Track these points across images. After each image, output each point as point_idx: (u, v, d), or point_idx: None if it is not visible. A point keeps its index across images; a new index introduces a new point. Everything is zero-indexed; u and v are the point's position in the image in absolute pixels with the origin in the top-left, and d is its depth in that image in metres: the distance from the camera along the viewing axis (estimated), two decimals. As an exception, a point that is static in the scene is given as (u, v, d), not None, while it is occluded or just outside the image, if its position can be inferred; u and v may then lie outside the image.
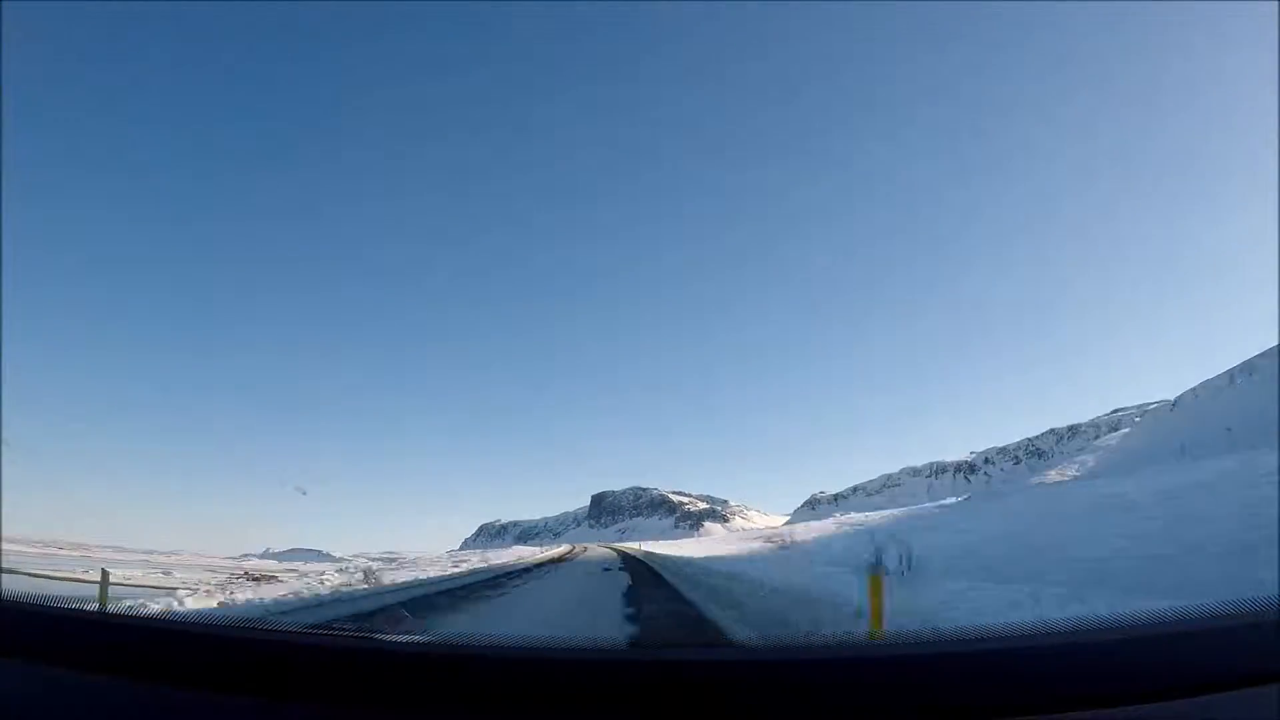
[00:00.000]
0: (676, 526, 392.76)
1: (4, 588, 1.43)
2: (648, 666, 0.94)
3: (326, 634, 1.30)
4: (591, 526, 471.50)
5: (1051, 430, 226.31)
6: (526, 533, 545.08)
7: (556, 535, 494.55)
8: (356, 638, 1.22)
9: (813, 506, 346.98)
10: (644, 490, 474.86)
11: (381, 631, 1.27)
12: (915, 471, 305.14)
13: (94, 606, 1.32)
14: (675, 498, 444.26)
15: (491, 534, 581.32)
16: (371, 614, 8.22)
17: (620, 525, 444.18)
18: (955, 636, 1.00)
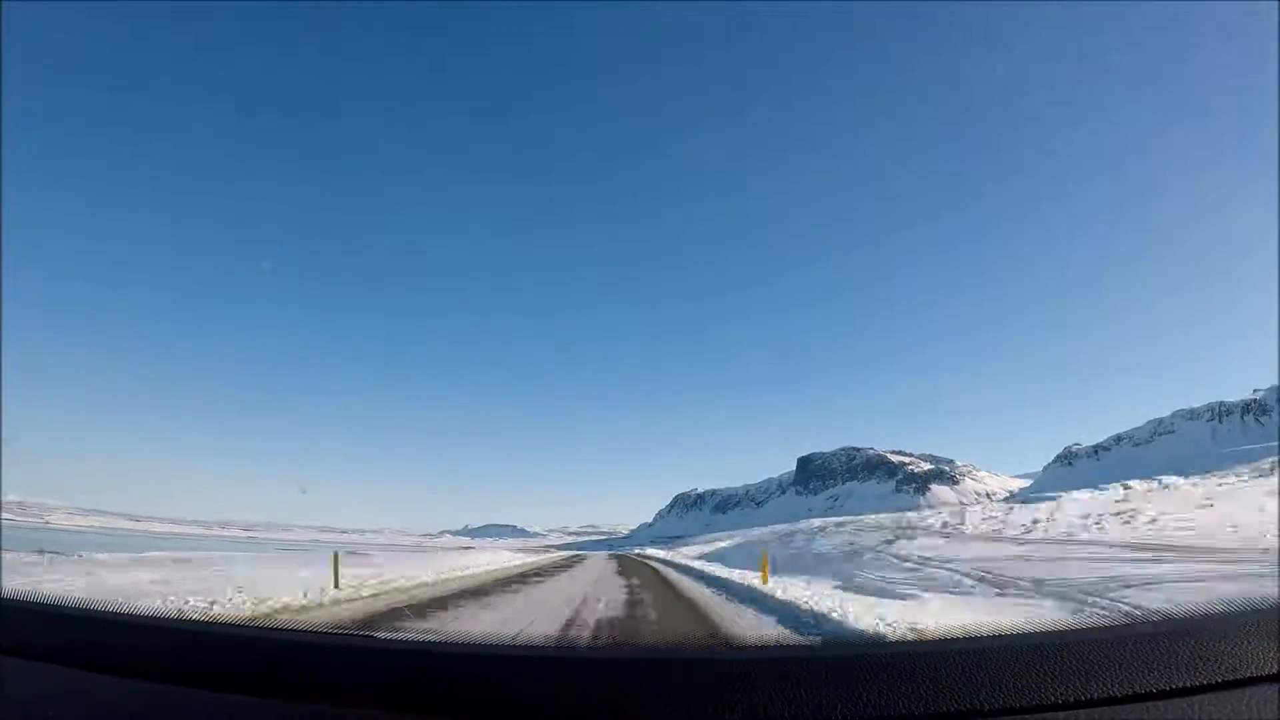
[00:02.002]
0: (898, 491, 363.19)
1: (7, 587, 1.43)
2: (648, 666, 0.94)
3: (327, 634, 1.32)
4: (799, 493, 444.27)
5: None
6: (725, 502, 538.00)
7: (758, 504, 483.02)
8: (357, 637, 1.22)
9: (1068, 461, 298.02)
10: (857, 450, 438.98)
11: (382, 631, 1.27)
12: (1192, 414, 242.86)
13: (92, 607, 1.38)
14: (895, 458, 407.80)
15: (687, 504, 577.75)
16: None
17: (831, 491, 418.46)
18: (955, 636, 1.00)
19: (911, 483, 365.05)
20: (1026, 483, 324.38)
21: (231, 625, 1.37)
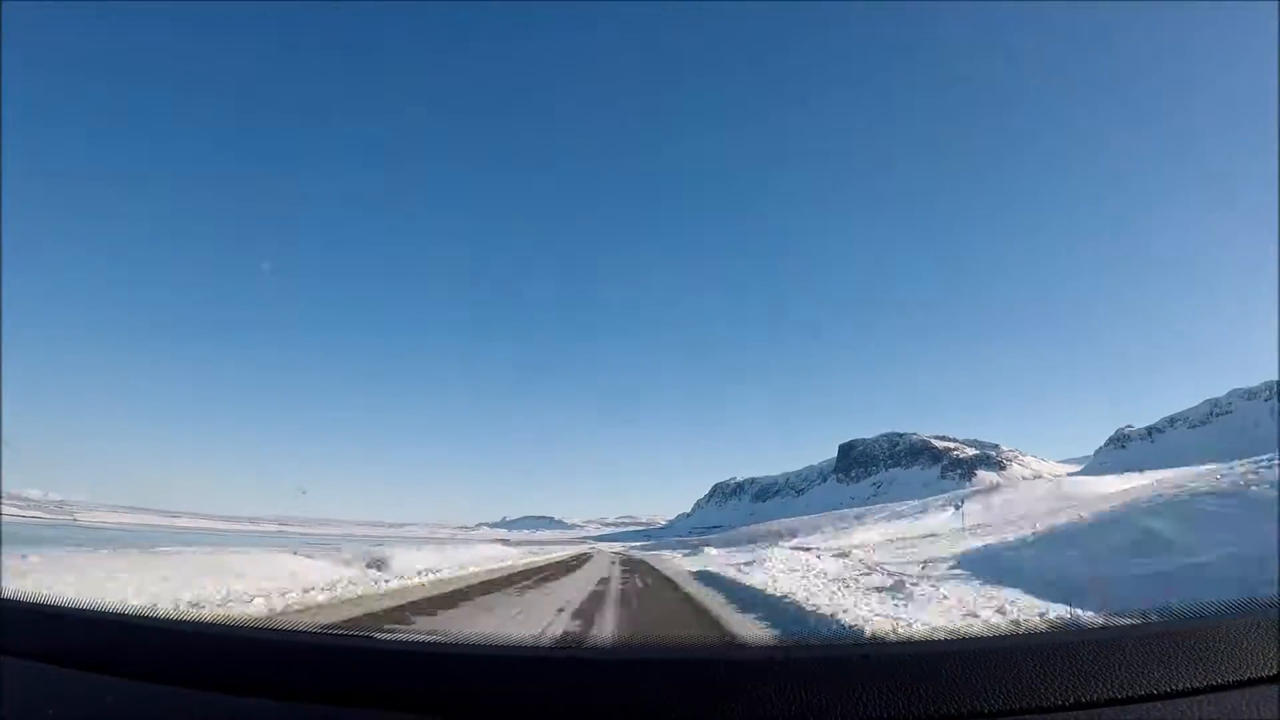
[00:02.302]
0: (943, 477, 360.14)
1: (6, 585, 1.27)
2: (649, 667, 0.94)
3: (328, 634, 1.30)
4: (840, 480, 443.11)
5: None
6: (764, 491, 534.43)
7: (799, 493, 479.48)
8: (357, 637, 1.22)
9: (1121, 444, 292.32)
10: (900, 436, 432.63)
11: (383, 632, 1.25)
12: (1250, 394, 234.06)
13: (92, 607, 1.38)
14: (939, 443, 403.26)
15: (726, 493, 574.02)
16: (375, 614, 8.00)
17: (874, 479, 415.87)
18: (955, 637, 1.02)
19: (956, 469, 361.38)
20: (1076, 467, 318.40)
21: (231, 626, 1.37)
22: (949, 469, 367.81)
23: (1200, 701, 0.79)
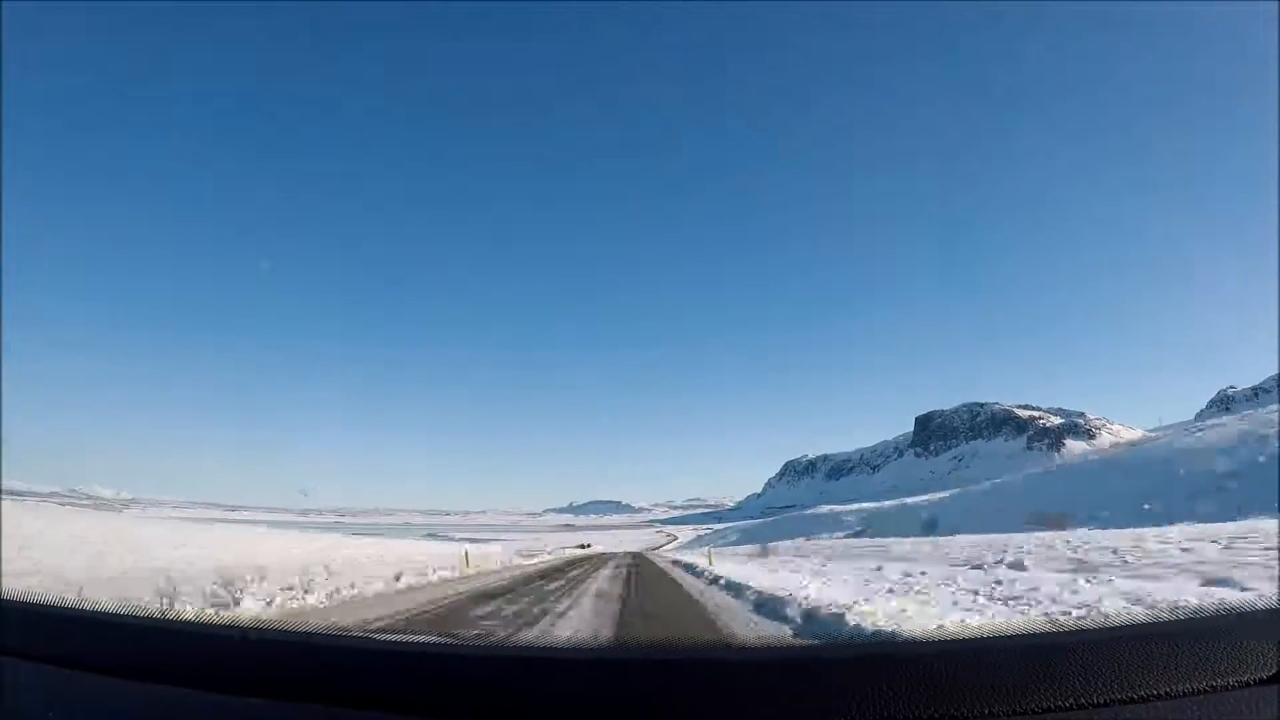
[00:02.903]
0: (1029, 448, 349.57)
1: (5, 586, 1.41)
2: (648, 667, 0.94)
3: (328, 634, 1.30)
4: (918, 455, 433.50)
5: None
6: (838, 468, 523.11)
7: (874, 469, 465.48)
8: (358, 638, 1.21)
9: (1225, 406, 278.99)
10: (980, 406, 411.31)
11: (383, 632, 1.34)
12: None
13: (93, 607, 1.33)
14: (1022, 413, 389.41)
15: (798, 471, 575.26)
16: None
17: (955, 452, 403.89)
18: (955, 637, 1.01)
19: (1044, 439, 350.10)
20: (1168, 435, 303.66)
21: (231, 626, 1.36)
22: (1035, 439, 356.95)
23: (1200, 701, 0.78)
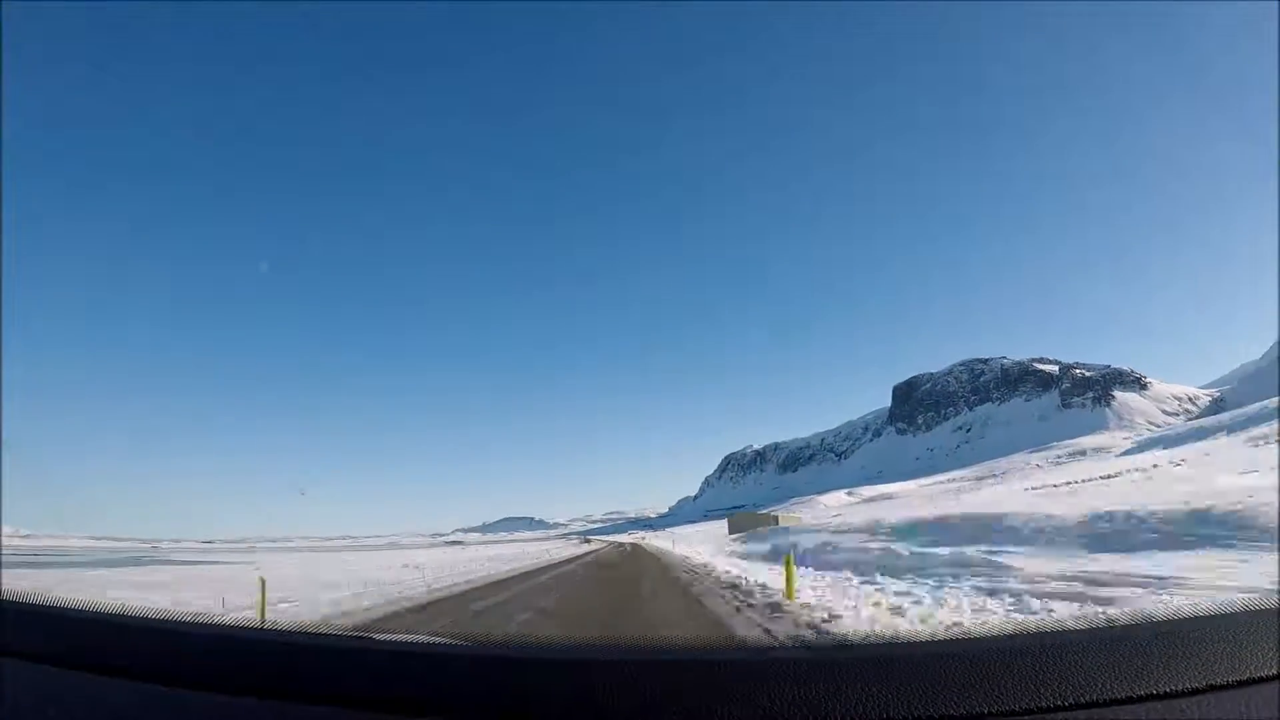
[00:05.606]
0: (1065, 405, 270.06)
1: (4, 586, 1.42)
2: (648, 667, 0.93)
3: (327, 635, 1.29)
4: (901, 431, 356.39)
5: None
6: (793, 457, 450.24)
7: (840, 456, 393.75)
8: (356, 638, 1.20)
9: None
10: (983, 363, 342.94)
11: (382, 632, 1.25)
12: None
13: (92, 608, 1.35)
14: (1044, 366, 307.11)
15: (743, 465, 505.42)
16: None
17: (955, 421, 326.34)
18: (955, 637, 0.99)
19: (1085, 391, 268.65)
20: (1216, 392, 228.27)
21: (231, 627, 1.37)
22: (1071, 393, 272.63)
23: (1200, 701, 0.78)
